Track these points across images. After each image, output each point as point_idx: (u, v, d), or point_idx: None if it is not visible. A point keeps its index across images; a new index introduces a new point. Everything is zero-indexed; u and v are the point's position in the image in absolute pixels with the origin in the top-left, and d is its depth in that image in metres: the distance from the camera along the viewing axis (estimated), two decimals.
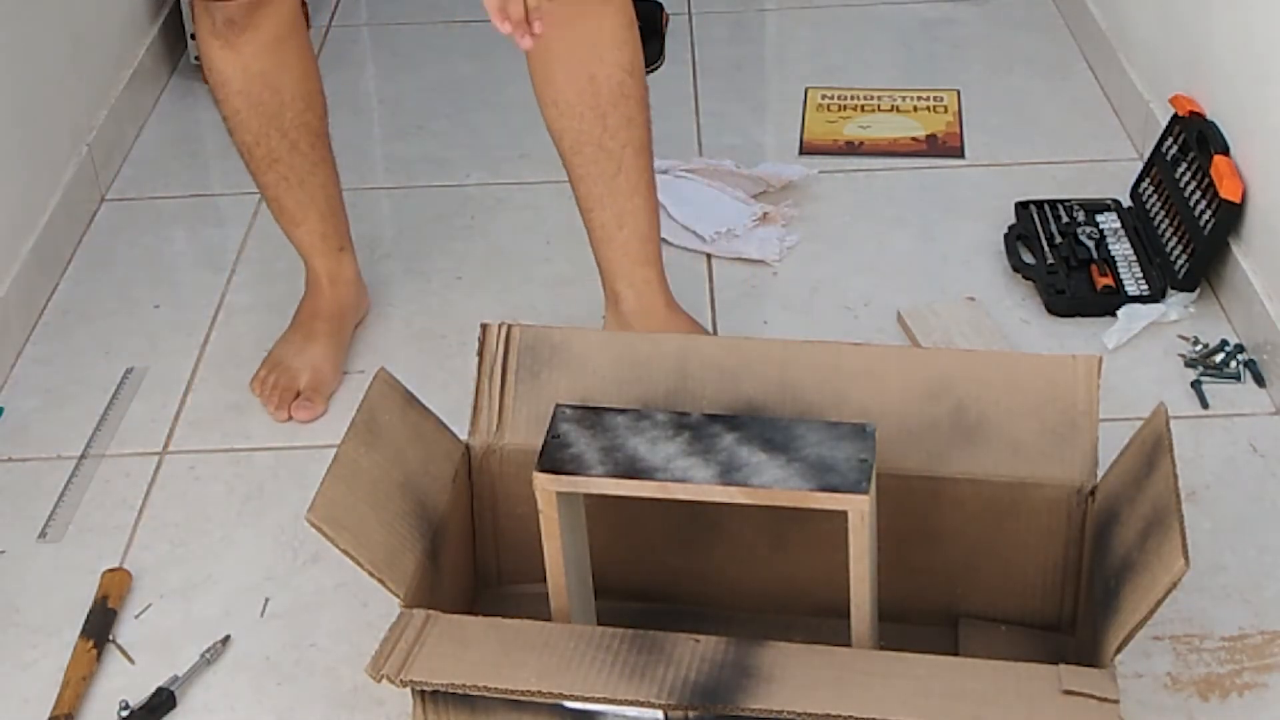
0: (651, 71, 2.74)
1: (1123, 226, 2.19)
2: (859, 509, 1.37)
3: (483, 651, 1.36)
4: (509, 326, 1.59)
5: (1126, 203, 2.25)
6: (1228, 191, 1.99)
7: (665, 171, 2.34)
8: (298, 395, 1.95)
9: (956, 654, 1.50)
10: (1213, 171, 2.03)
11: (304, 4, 1.99)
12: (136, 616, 1.68)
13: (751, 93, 2.70)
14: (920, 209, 2.32)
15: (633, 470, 1.42)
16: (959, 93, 2.60)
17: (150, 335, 2.12)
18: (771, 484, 1.39)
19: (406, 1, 3.02)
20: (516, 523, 1.58)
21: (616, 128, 1.85)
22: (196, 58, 2.74)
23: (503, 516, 1.60)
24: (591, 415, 1.48)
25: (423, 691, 1.36)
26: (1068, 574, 1.53)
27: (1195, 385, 1.92)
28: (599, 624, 1.54)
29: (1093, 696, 1.28)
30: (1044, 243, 2.17)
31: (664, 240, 2.24)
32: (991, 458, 1.49)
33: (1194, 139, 2.12)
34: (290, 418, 1.94)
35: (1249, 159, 2.01)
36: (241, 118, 1.90)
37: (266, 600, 1.69)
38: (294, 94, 1.90)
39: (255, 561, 1.74)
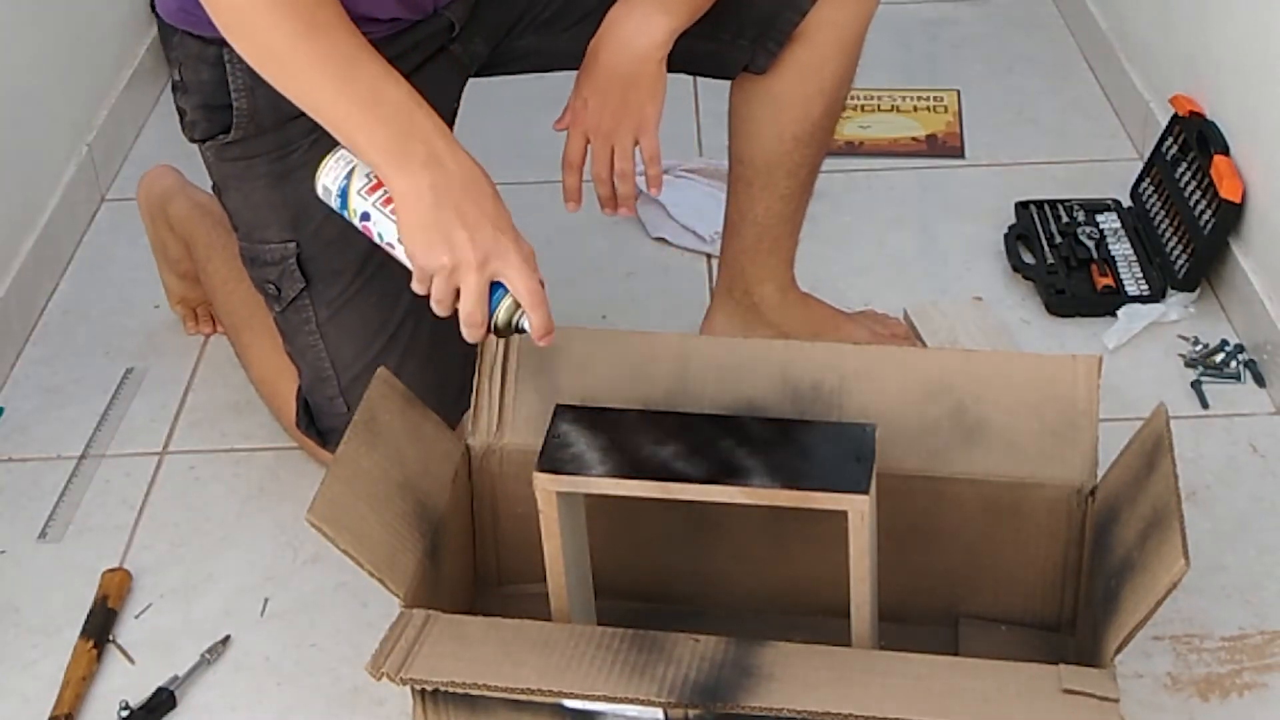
0: None
1: (1123, 226, 2.19)
2: (859, 509, 1.37)
3: (483, 650, 1.36)
4: None
5: (1126, 203, 2.25)
6: (1228, 191, 1.99)
7: (665, 171, 2.34)
8: None
9: (956, 654, 1.50)
10: (1213, 171, 2.03)
11: None
12: (136, 616, 1.68)
13: None
14: (920, 209, 2.32)
15: (633, 470, 1.41)
16: (959, 93, 2.60)
17: (150, 335, 2.12)
18: (771, 484, 1.39)
19: None
20: (516, 523, 1.58)
21: (829, 139, 1.85)
22: None
23: (503, 516, 1.60)
24: (591, 415, 1.48)
25: (423, 691, 1.36)
26: (1068, 574, 1.52)
27: (1195, 385, 1.92)
28: (599, 624, 1.53)
29: (1093, 696, 1.27)
30: (1044, 243, 2.17)
31: (664, 240, 2.25)
32: (991, 458, 1.49)
33: (1194, 139, 2.11)
34: None
35: (1249, 159, 2.01)
36: None
37: (266, 600, 1.69)
38: None
39: (255, 561, 1.74)
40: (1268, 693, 1.53)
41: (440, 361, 1.70)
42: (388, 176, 1.43)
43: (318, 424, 1.78)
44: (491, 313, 1.42)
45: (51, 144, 2.30)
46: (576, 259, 2.22)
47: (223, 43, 1.55)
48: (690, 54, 1.75)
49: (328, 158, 1.49)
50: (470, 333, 1.43)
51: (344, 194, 1.48)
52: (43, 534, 1.79)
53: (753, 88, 1.80)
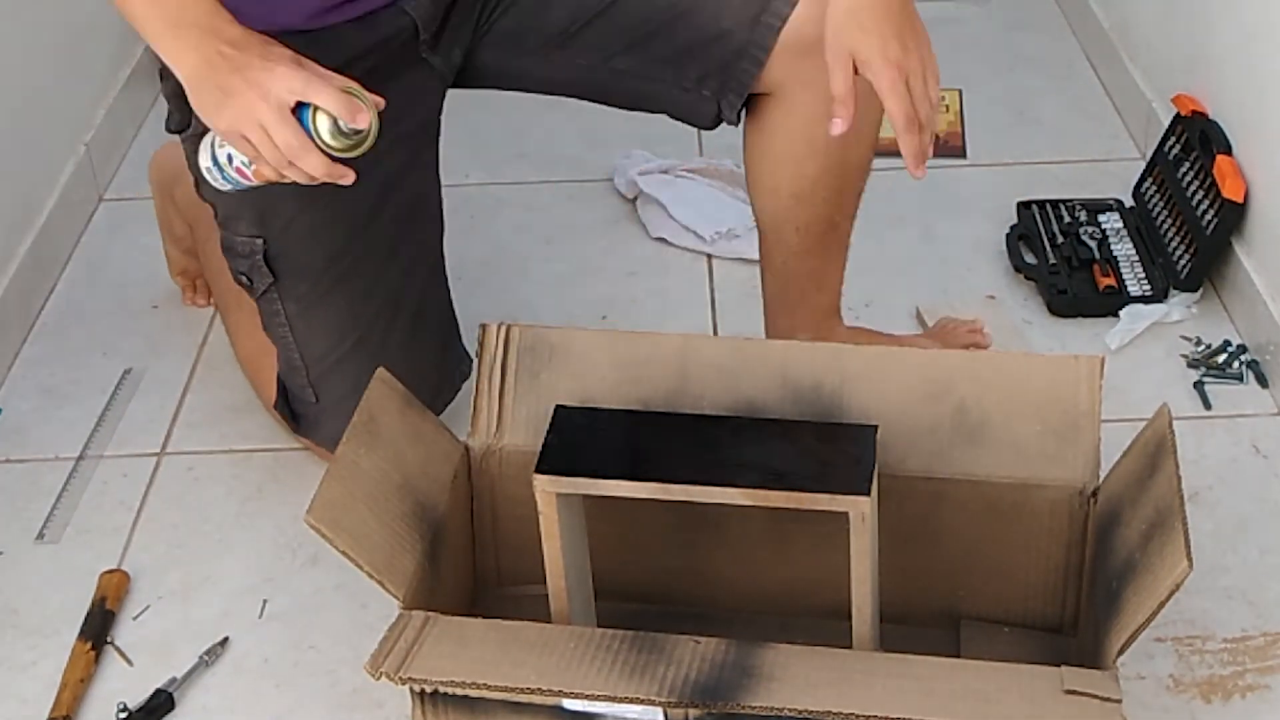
0: None
1: (1125, 226, 2.19)
2: (860, 510, 1.36)
3: (482, 651, 1.36)
4: (508, 327, 1.58)
5: (1129, 203, 2.24)
6: (1230, 191, 1.99)
7: (665, 171, 2.34)
8: None
9: (958, 656, 1.50)
10: (1215, 171, 2.02)
11: None
12: (135, 618, 1.67)
13: None
14: (921, 209, 2.31)
15: (633, 471, 1.41)
16: (960, 92, 2.60)
17: (148, 336, 2.11)
18: (772, 485, 1.38)
19: None
20: (516, 524, 1.57)
21: (849, 205, 1.80)
22: None
23: (502, 518, 1.60)
24: (591, 416, 1.48)
25: (422, 693, 1.36)
26: (1070, 575, 1.52)
27: (1198, 386, 1.92)
28: (599, 625, 1.53)
29: (1095, 697, 1.27)
30: (1046, 243, 2.16)
31: (664, 240, 2.25)
32: (993, 459, 1.49)
33: (1197, 138, 2.11)
34: None
35: (1252, 159, 2.00)
36: None
37: (265, 602, 1.69)
38: None
39: (254, 563, 1.74)
40: (1270, 694, 1.53)
41: (413, 361, 1.71)
42: (171, 63, 1.47)
43: (291, 405, 1.81)
44: (311, 134, 1.41)
45: (49, 144, 2.29)
46: (576, 259, 2.22)
47: None
48: (662, 100, 1.77)
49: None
50: (307, 163, 1.41)
51: (214, 159, 1.51)
52: (40, 535, 1.78)
53: (751, 140, 1.79)
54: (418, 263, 1.80)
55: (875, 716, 1.26)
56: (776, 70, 1.70)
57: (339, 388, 1.75)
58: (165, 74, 1.67)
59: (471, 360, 1.77)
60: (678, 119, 1.82)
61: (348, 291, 1.73)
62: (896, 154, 1.58)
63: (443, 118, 1.82)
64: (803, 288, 1.85)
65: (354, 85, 1.42)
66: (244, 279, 1.76)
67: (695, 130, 2.52)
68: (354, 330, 1.75)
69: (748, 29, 1.68)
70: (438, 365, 1.79)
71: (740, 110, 1.75)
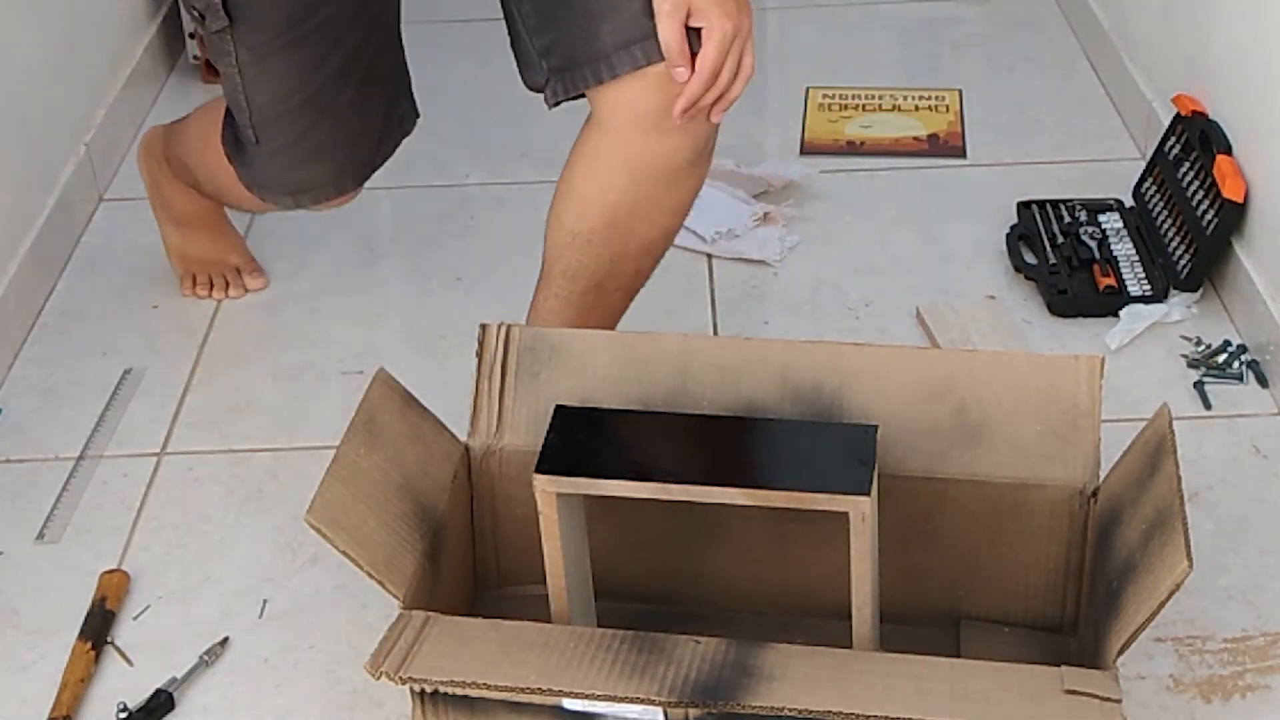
0: None
1: (1125, 226, 2.19)
2: (860, 510, 1.36)
3: (482, 651, 1.36)
4: (508, 327, 1.58)
5: (1129, 202, 2.24)
6: (1230, 191, 1.99)
7: None
8: (238, 272, 2.12)
9: (958, 656, 1.50)
10: (1215, 171, 2.02)
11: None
12: (135, 618, 1.67)
13: (752, 92, 2.66)
14: (922, 209, 2.31)
15: (633, 471, 1.41)
16: (960, 92, 2.60)
17: (149, 335, 2.11)
18: (772, 485, 1.38)
19: (406, 1, 3.01)
20: (516, 524, 1.57)
21: (623, 275, 1.75)
22: (195, 56, 2.74)
23: (502, 518, 1.60)
24: (591, 416, 1.48)
25: (422, 692, 1.36)
26: (1070, 575, 1.52)
27: (1198, 386, 1.92)
28: (599, 625, 1.53)
29: (1095, 697, 1.27)
30: (1046, 243, 2.16)
31: None
32: (993, 458, 1.49)
33: (1197, 138, 2.11)
34: (246, 290, 2.11)
35: (1252, 159, 2.00)
36: None
37: (265, 602, 1.68)
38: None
39: (254, 563, 1.74)
40: (1270, 694, 1.53)
41: (360, 117, 1.73)
42: None
43: (232, 130, 1.80)
44: None
45: (49, 144, 2.29)
46: None
47: None
48: (518, 36, 1.69)
49: None
50: None
51: None
52: (40, 535, 1.78)
53: (571, 152, 1.73)
54: (374, 30, 1.77)
55: (875, 716, 1.26)
56: (610, 100, 1.63)
57: (280, 137, 1.74)
58: None
59: (418, 115, 1.82)
60: (516, 61, 1.73)
61: (302, 56, 1.70)
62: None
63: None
64: (541, 320, 1.78)
65: None
66: (196, 12, 1.71)
67: None
68: (302, 90, 1.72)
69: (615, 45, 1.60)
70: (385, 117, 1.76)
71: (562, 103, 1.67)
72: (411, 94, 1.86)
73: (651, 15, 1.56)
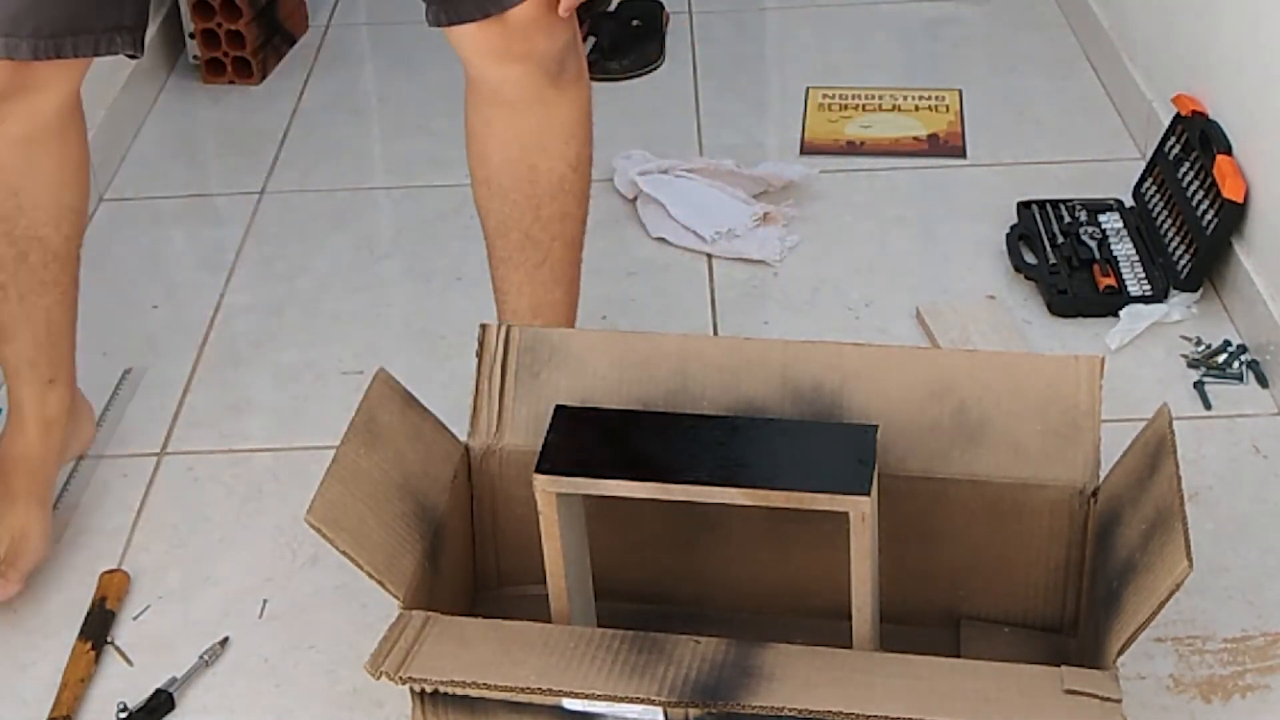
0: (651, 71, 2.74)
1: (1125, 226, 2.19)
2: (860, 510, 1.36)
3: (482, 651, 1.36)
4: (508, 327, 1.58)
5: (1129, 203, 2.24)
6: (1230, 191, 1.99)
7: (665, 171, 2.34)
8: None
9: (958, 656, 1.50)
10: (1215, 171, 2.02)
11: (79, 108, 1.78)
12: (135, 618, 1.67)
13: (752, 92, 2.70)
14: (922, 209, 2.31)
15: (633, 471, 1.41)
16: (960, 92, 2.60)
17: (148, 336, 2.11)
18: (772, 485, 1.38)
19: (406, 1, 3.01)
20: (516, 524, 1.57)
21: (549, 220, 1.73)
22: (195, 57, 2.74)
23: (502, 518, 1.60)
24: (591, 416, 1.48)
25: (422, 692, 1.36)
26: (1070, 575, 1.52)
27: (1198, 386, 1.92)
28: (599, 625, 1.53)
29: (1095, 697, 1.27)
30: (1046, 243, 2.16)
31: (664, 240, 2.25)
32: (993, 459, 1.49)
33: (1197, 138, 2.11)
34: None
35: (1252, 159, 2.00)
36: None
37: (265, 602, 1.68)
38: (36, 203, 1.68)
39: (254, 563, 1.73)
40: (1270, 694, 1.53)
41: None
42: None
43: None
44: None
45: None
46: None
47: None
48: None
49: None
50: None
51: None
52: None
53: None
54: None
55: (875, 716, 1.26)
56: (456, 39, 1.62)
57: None
58: None
59: (137, 54, 1.67)
60: None
61: None
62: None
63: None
64: (503, 295, 1.79)
65: None
66: None
67: (695, 130, 2.54)
68: None
69: None
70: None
71: (448, 27, 1.62)
72: (138, 29, 1.66)
73: None
